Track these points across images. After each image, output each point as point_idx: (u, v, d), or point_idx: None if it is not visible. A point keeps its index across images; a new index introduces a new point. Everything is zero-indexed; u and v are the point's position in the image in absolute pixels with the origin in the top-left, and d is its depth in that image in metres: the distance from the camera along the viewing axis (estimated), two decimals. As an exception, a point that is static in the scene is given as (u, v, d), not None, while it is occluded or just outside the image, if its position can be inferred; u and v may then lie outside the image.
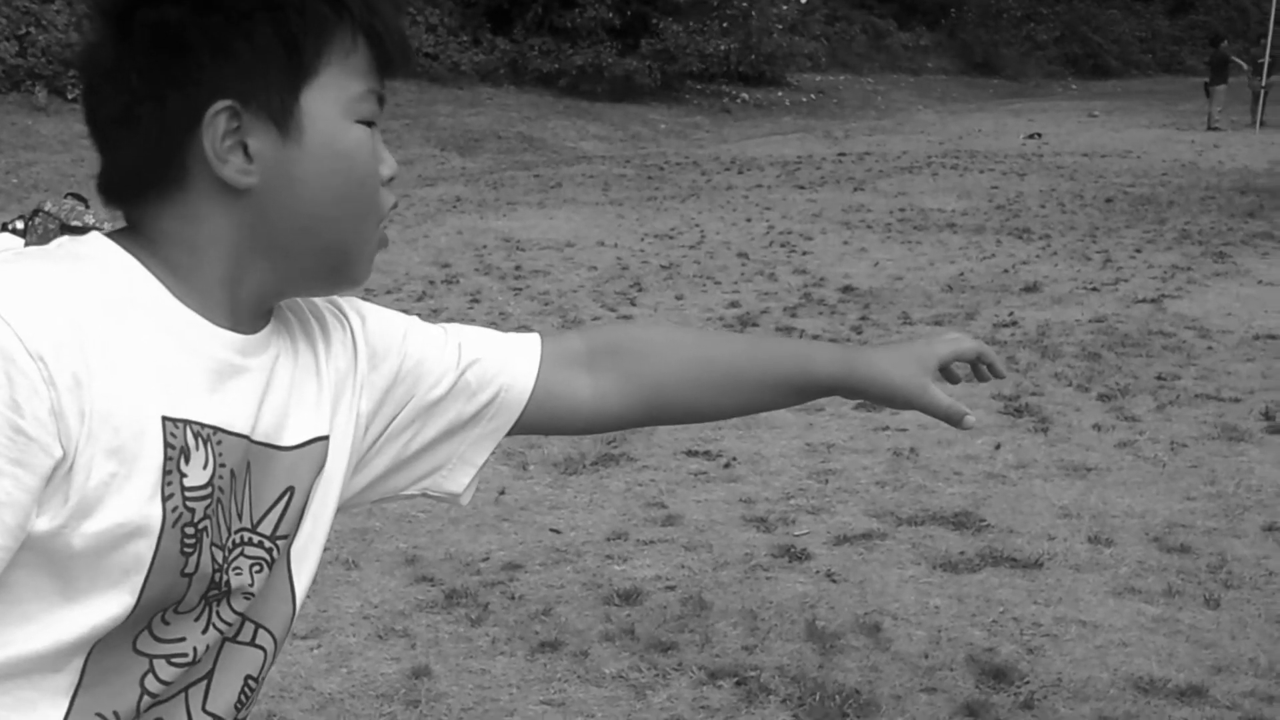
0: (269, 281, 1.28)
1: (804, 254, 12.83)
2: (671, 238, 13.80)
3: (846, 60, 36.54)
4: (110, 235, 1.24)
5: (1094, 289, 10.99)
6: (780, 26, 30.82)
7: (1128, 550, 5.39)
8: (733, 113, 29.18)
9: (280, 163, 1.23)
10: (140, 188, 1.23)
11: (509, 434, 1.54)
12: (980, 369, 1.71)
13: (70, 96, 19.34)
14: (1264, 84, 27.17)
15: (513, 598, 4.95)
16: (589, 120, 25.60)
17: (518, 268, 11.92)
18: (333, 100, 1.24)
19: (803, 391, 1.68)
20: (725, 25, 29.09)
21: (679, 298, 10.78)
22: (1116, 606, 4.88)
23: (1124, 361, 8.45)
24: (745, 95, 30.34)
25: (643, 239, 13.68)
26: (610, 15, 27.43)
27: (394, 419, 1.46)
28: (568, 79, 27.03)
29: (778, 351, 1.72)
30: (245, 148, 1.21)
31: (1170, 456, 6.58)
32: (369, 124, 1.28)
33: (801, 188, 17.97)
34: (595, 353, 1.59)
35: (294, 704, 4.17)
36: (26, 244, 1.17)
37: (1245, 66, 28.29)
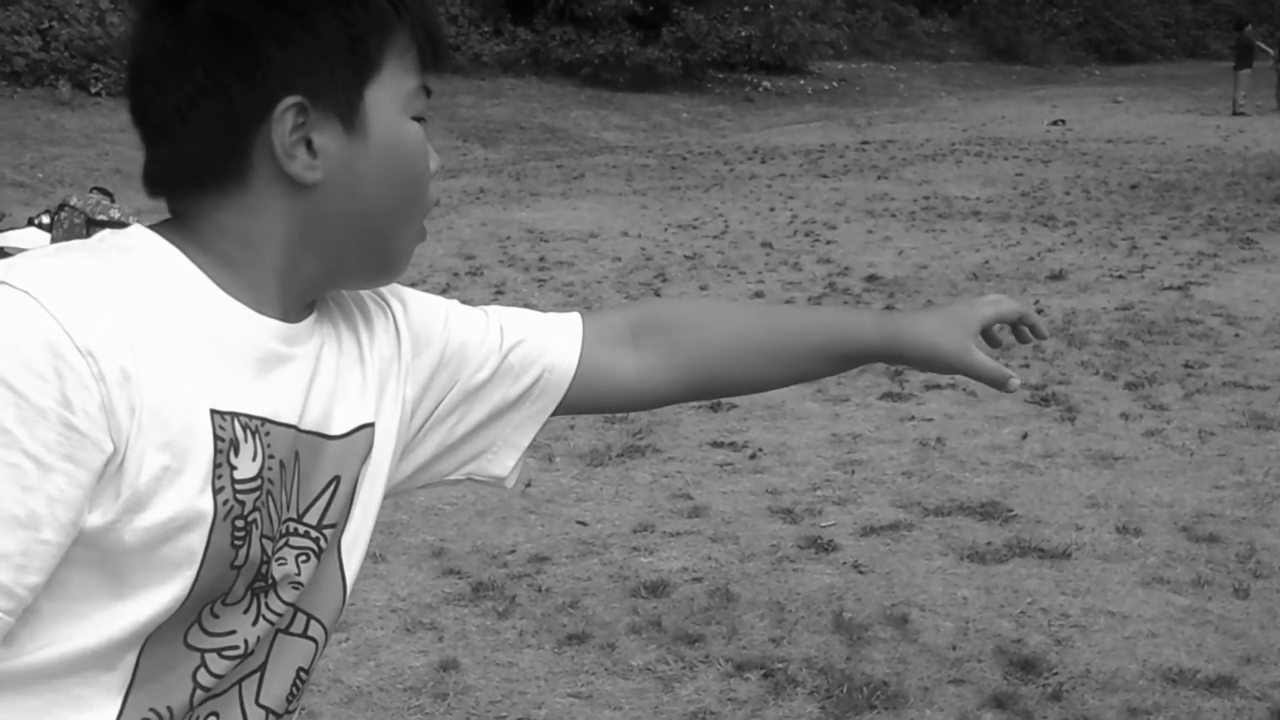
0: (317, 274, 1.28)
1: (828, 243, 12.81)
2: (695, 228, 13.79)
3: (868, 48, 36.45)
4: (154, 227, 1.23)
5: (1120, 276, 10.94)
6: (801, 15, 30.74)
7: (1156, 540, 5.37)
8: (755, 101, 29.15)
9: (344, 159, 1.23)
10: (198, 181, 1.22)
11: (553, 414, 1.53)
12: (1022, 330, 1.69)
13: (94, 90, 19.42)
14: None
15: (540, 590, 4.95)
16: (611, 110, 25.60)
17: (541, 259, 11.92)
18: (392, 96, 1.25)
19: (846, 360, 1.66)
20: (747, 10, 29.04)
21: (703, 288, 10.77)
22: (1145, 597, 4.86)
23: (1151, 349, 8.41)
24: (767, 84, 30.30)
25: (666, 229, 13.67)
26: (632, 3, 27.41)
27: (439, 404, 1.46)
28: (589, 68, 27.04)
29: (819, 321, 1.70)
30: (309, 143, 1.21)
31: (1198, 445, 6.55)
32: (420, 120, 1.30)
33: (825, 176, 17.95)
34: (637, 329, 1.58)
35: (323, 697, 4.18)
36: (53, 238, 1.19)
37: (1270, 51, 28.12)
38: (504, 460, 1.52)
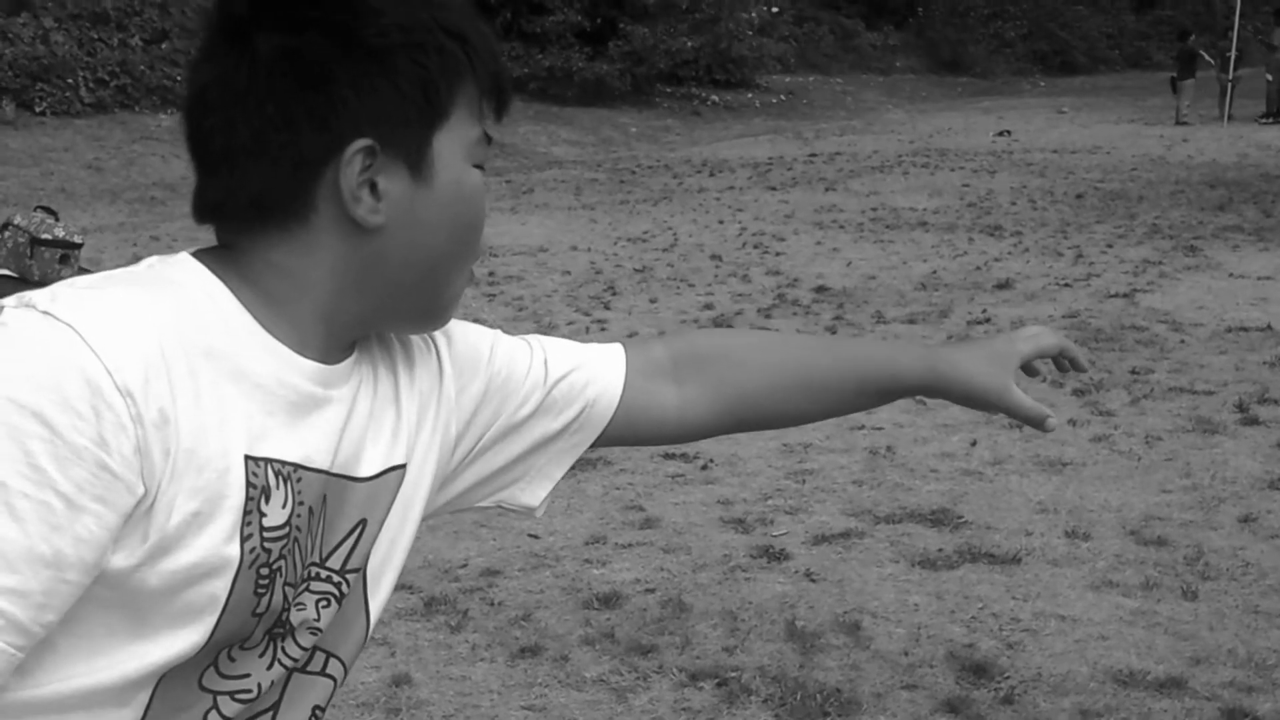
0: (363, 316, 1.27)
1: (777, 255, 12.85)
2: (644, 241, 13.81)
3: (815, 61, 36.57)
4: (201, 256, 1.21)
5: (1066, 285, 11.03)
6: (750, 33, 30.82)
7: (1105, 544, 5.40)
8: (703, 115, 29.21)
9: (408, 204, 1.22)
10: (257, 216, 1.20)
11: (591, 447, 1.53)
12: (1062, 363, 1.70)
13: (38, 110, 19.28)
14: (1231, 78, 27.27)
15: (492, 604, 4.94)
16: (560, 125, 25.60)
17: (491, 274, 11.90)
18: (458, 144, 1.25)
19: (886, 394, 1.66)
20: (696, 18, 29.09)
21: (653, 301, 10.78)
22: (1095, 600, 4.90)
23: (1098, 356, 8.48)
24: (715, 97, 30.36)
25: (616, 243, 13.69)
26: (579, 18, 27.43)
27: (481, 438, 1.45)
28: (537, 83, 27.02)
29: (860, 354, 1.69)
30: (373, 186, 1.20)
31: (1145, 450, 6.60)
32: (480, 167, 1.29)
33: (773, 189, 18.00)
34: (679, 362, 1.57)
35: (274, 714, 4.15)
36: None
37: (1212, 61, 28.35)
38: (536, 491, 1.51)
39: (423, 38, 1.20)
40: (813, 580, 5.11)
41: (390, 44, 1.18)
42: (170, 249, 11.94)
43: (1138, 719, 4.08)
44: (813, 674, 4.37)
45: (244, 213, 1.20)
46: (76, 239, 9.39)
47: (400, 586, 5.09)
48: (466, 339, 1.45)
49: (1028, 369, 1.66)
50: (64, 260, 8.93)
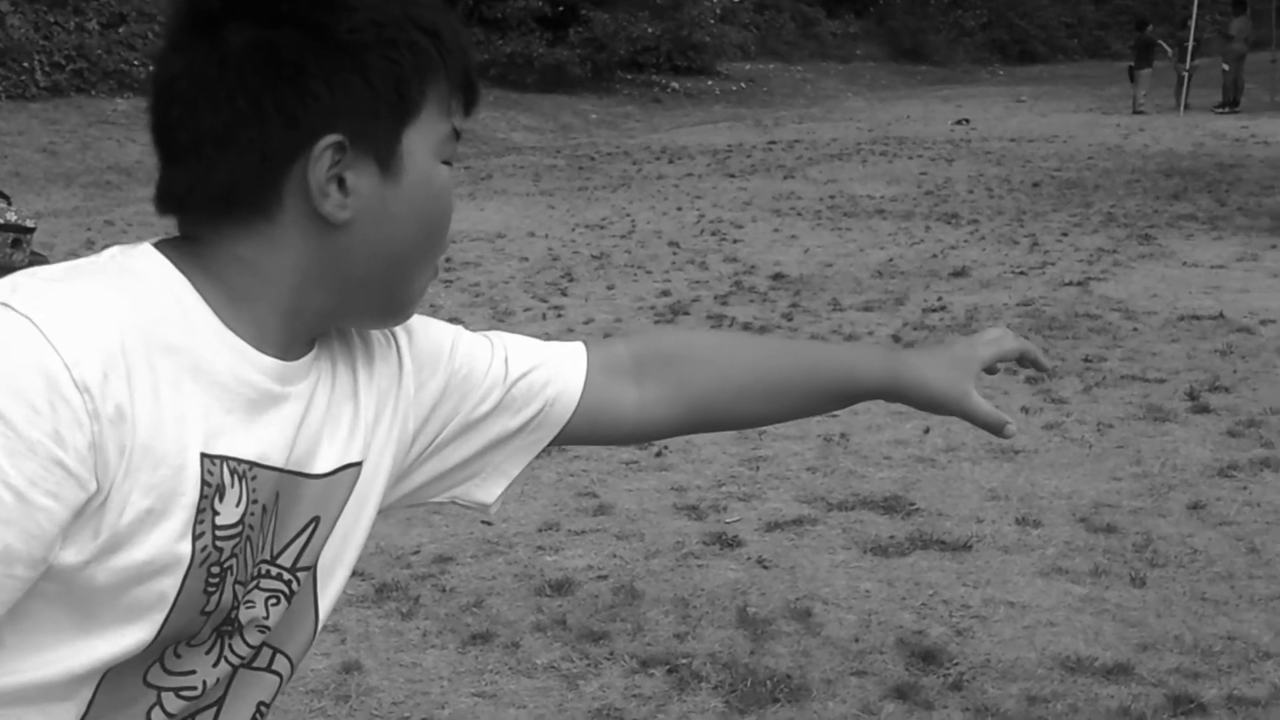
0: (327, 313, 1.26)
1: (735, 242, 12.86)
2: (602, 228, 13.80)
3: (776, 48, 36.59)
4: (163, 248, 1.20)
5: (1021, 273, 11.08)
6: (712, 20, 30.83)
7: (1055, 531, 5.44)
8: (663, 102, 29.19)
9: (376, 200, 1.21)
10: (222, 210, 1.19)
11: (550, 445, 1.53)
12: (1024, 363, 1.72)
13: (-8, 93, 19.10)
14: (1188, 68, 27.43)
15: (444, 590, 4.93)
16: (519, 111, 25.52)
17: (448, 260, 11.86)
18: (428, 140, 1.24)
19: (846, 397, 1.67)
20: (658, 4, 29.07)
21: (610, 288, 10.77)
22: (1044, 587, 4.93)
23: (1051, 344, 8.52)
24: (676, 84, 30.35)
25: (574, 229, 13.67)
26: (540, 4, 27.38)
27: (438, 435, 1.44)
28: (497, 69, 26.94)
29: (822, 357, 1.71)
30: (341, 181, 1.19)
31: (1097, 437, 6.64)
32: (448, 163, 1.29)
33: (732, 176, 18.01)
34: (641, 362, 1.57)
35: (223, 702, 4.13)
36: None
37: (1170, 51, 28.52)
38: (491, 488, 1.51)
39: (396, 33, 1.19)
40: (765, 567, 5.13)
41: (363, 39, 1.17)
42: (125, 234, 11.73)
43: (1084, 705, 4.11)
44: (763, 660, 4.39)
45: (209, 205, 1.19)
46: (29, 223, 9.30)
47: (351, 573, 5.07)
48: (428, 335, 1.44)
49: (986, 369, 1.68)
50: (16, 245, 8.86)
